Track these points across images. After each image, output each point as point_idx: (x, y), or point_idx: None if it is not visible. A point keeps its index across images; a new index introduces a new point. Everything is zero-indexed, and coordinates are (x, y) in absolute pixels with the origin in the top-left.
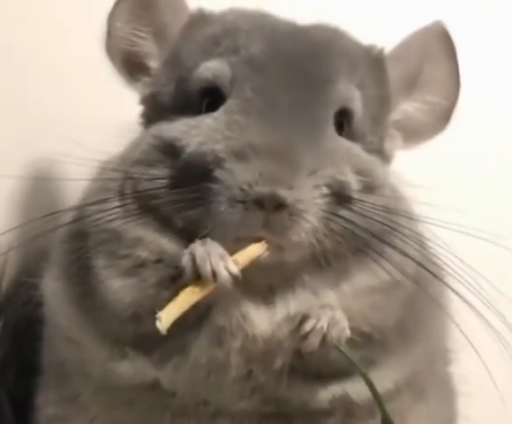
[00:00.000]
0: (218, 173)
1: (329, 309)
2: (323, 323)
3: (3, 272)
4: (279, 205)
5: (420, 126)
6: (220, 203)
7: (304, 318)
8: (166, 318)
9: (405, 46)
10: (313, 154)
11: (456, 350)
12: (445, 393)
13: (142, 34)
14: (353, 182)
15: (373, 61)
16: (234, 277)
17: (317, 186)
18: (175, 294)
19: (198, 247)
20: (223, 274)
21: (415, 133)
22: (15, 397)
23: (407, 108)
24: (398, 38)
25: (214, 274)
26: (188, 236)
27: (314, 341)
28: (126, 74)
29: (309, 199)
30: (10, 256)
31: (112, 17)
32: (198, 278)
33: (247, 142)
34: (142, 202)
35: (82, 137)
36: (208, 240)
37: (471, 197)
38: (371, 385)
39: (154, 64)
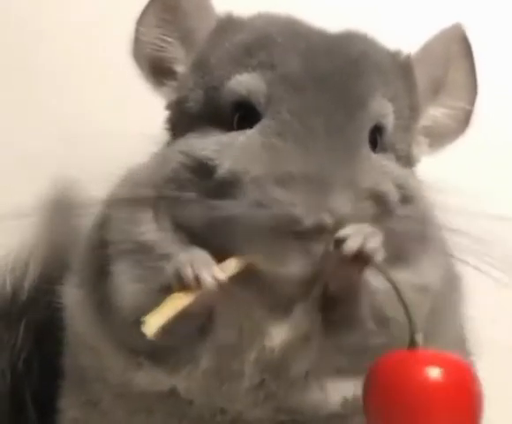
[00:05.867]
0: (256, 194)
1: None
2: (361, 232)
3: (25, 272)
4: (322, 231)
5: (445, 131)
6: (259, 227)
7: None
8: (151, 323)
9: (428, 50)
10: (350, 177)
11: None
12: None
13: (169, 39)
14: (393, 193)
15: (402, 69)
16: (220, 284)
17: (358, 207)
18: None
19: (181, 254)
20: (207, 279)
21: (439, 138)
22: (39, 399)
23: (434, 113)
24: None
25: (198, 280)
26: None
27: (352, 245)
28: (153, 80)
29: (351, 219)
30: (33, 256)
31: (140, 23)
32: (182, 285)
33: (285, 169)
34: (175, 221)
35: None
36: (193, 248)
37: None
38: (400, 296)
39: (180, 69)
